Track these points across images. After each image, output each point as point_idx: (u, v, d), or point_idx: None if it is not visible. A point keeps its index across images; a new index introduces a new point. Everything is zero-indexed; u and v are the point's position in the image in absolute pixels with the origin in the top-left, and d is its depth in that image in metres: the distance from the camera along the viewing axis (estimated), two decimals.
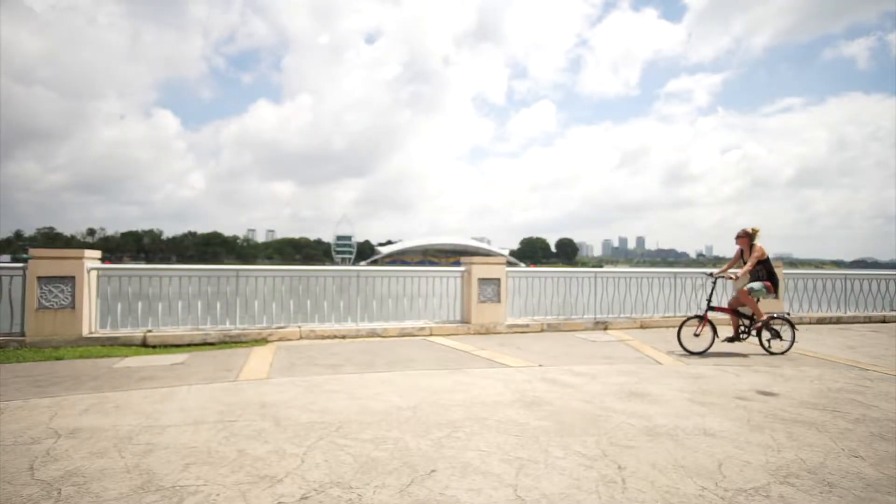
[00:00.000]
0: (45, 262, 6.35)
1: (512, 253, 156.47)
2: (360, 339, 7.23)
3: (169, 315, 7.17)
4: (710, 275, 6.79)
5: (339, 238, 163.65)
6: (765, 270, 6.48)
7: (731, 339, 6.46)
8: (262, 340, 6.82)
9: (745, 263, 6.53)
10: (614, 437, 3.32)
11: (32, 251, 6.49)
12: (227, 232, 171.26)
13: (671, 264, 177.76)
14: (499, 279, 8.15)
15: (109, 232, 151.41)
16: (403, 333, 7.54)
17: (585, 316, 8.78)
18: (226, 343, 6.69)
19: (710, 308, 6.41)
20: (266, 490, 2.51)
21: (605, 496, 2.49)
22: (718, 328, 6.53)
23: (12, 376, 4.86)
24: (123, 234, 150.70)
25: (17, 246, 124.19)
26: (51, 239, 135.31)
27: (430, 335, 7.57)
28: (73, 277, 6.38)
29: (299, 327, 7.23)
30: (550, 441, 3.23)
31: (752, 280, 6.41)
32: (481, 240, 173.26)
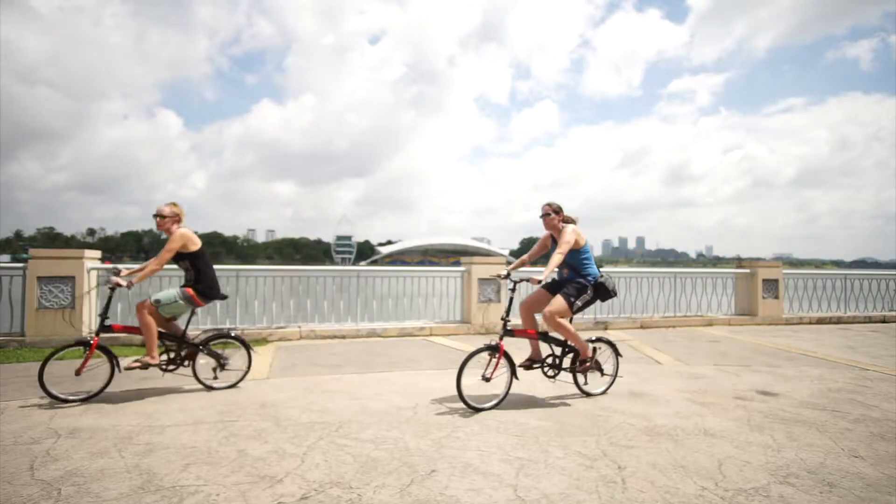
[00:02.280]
0: (45, 262, 6.35)
1: (512, 253, 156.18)
2: (360, 339, 7.23)
3: None
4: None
5: (339, 238, 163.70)
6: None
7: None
8: (262, 340, 6.82)
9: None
10: (614, 437, 3.32)
11: (32, 251, 6.49)
12: (228, 232, 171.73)
13: (671, 264, 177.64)
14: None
15: (109, 232, 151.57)
16: (403, 333, 7.54)
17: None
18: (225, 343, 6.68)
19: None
20: (266, 490, 2.51)
21: (605, 496, 2.49)
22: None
23: (12, 376, 4.86)
24: (123, 234, 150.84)
25: (17, 246, 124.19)
26: (51, 239, 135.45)
27: (430, 335, 7.56)
28: (73, 277, 6.38)
29: (299, 327, 7.23)
30: (550, 441, 3.23)
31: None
32: (481, 240, 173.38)
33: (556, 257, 4.16)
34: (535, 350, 4.32)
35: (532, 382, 4.58)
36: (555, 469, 2.81)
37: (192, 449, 3.03)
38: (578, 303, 4.15)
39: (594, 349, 4.32)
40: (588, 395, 4.29)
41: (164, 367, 4.26)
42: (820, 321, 9.75)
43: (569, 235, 4.16)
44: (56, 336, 6.28)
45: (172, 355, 4.31)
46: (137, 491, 2.48)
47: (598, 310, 8.86)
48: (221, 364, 4.39)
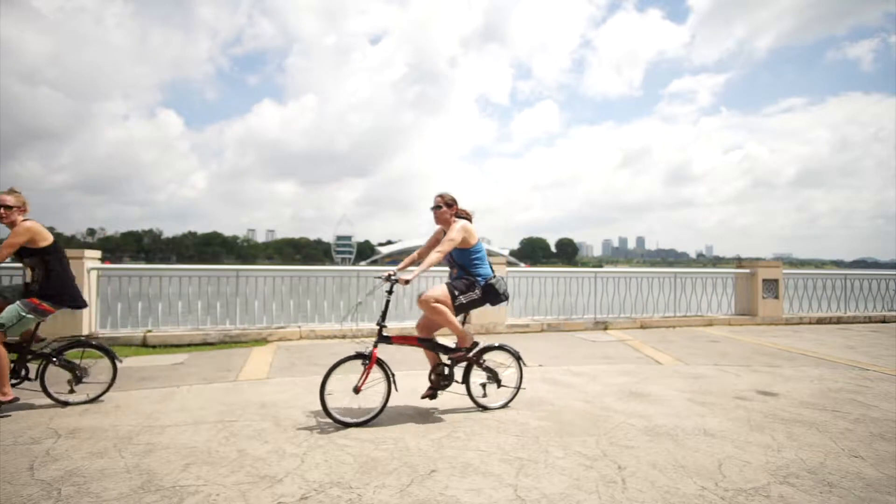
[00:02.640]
0: None
1: (512, 253, 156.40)
2: (360, 339, 7.23)
3: (169, 315, 7.17)
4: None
5: (339, 238, 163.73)
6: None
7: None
8: (262, 340, 6.82)
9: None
10: (614, 437, 3.32)
11: None
12: (228, 232, 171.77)
13: (671, 264, 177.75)
14: None
15: (109, 232, 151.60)
16: (404, 333, 7.52)
17: (585, 316, 8.78)
18: (226, 343, 6.69)
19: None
20: (266, 490, 2.51)
21: (605, 496, 2.49)
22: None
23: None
24: (123, 234, 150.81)
25: None
26: None
27: None
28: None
29: (299, 327, 7.23)
30: (550, 441, 3.23)
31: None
32: (481, 240, 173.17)
33: (433, 255, 3.67)
34: (432, 362, 3.93)
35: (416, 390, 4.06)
36: (555, 469, 2.81)
37: (192, 449, 3.03)
38: (462, 299, 3.75)
39: (481, 350, 3.95)
40: (485, 408, 3.87)
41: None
42: (820, 321, 9.75)
43: (455, 233, 3.74)
44: (56, 336, 6.27)
45: (14, 366, 3.73)
46: (137, 491, 2.48)
47: (598, 309, 8.88)
48: (77, 376, 3.89)
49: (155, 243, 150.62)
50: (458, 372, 3.94)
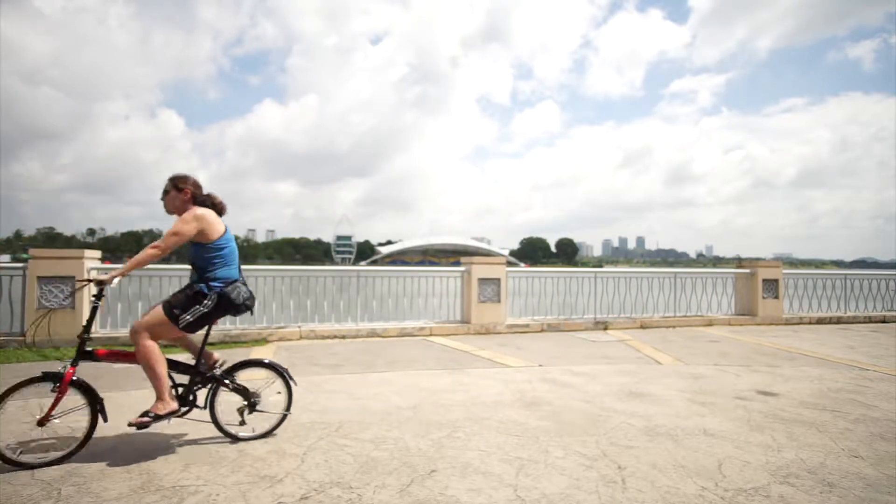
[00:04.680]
0: (45, 262, 6.35)
1: (512, 253, 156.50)
2: (360, 338, 7.23)
3: None
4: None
5: (339, 238, 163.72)
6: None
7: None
8: (262, 340, 6.82)
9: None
10: (614, 437, 3.32)
11: (32, 251, 6.49)
12: None
13: (671, 264, 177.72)
14: (499, 279, 8.14)
15: (109, 232, 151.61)
16: (403, 333, 7.54)
17: (585, 316, 8.78)
18: (226, 343, 6.69)
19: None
20: (266, 490, 2.51)
21: (605, 496, 2.49)
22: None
23: (12, 376, 4.85)
24: (123, 234, 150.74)
25: (17, 246, 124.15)
26: (51, 239, 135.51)
27: (430, 335, 7.56)
28: (73, 277, 6.38)
29: (299, 327, 7.23)
30: (550, 441, 3.23)
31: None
32: (481, 240, 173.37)
33: (147, 251, 2.90)
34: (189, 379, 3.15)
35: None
36: (555, 469, 2.81)
37: (191, 449, 3.02)
38: (188, 317, 2.98)
39: (201, 375, 3.14)
40: (236, 439, 3.16)
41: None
42: (820, 321, 9.75)
43: (183, 224, 2.98)
44: (56, 336, 6.27)
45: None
46: (137, 491, 2.48)
47: (598, 309, 8.88)
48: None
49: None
50: (202, 395, 3.17)
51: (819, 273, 10.92)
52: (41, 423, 2.80)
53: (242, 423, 3.19)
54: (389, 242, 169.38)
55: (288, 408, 3.33)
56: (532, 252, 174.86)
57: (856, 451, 3.12)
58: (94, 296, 2.98)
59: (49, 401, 2.79)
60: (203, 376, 3.16)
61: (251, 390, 3.26)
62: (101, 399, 2.89)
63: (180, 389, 3.06)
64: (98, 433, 2.94)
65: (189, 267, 3.18)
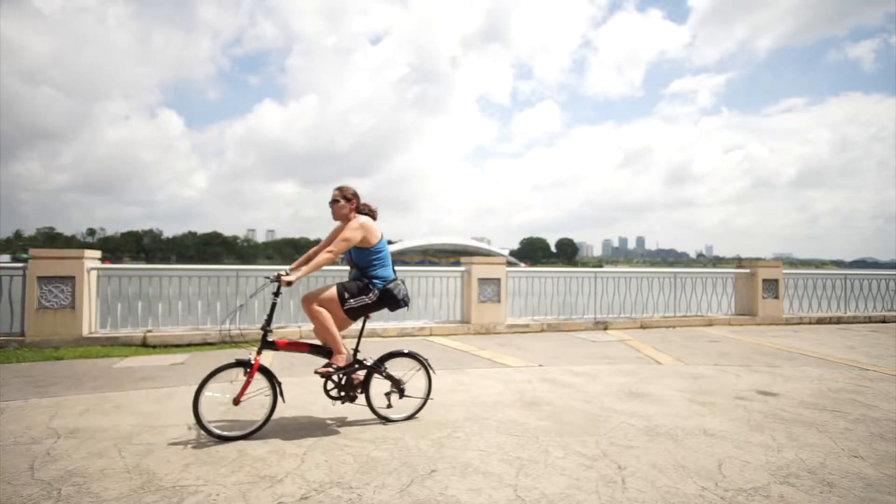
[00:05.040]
0: (45, 262, 6.35)
1: (512, 253, 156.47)
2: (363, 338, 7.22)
3: (169, 315, 7.16)
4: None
5: None
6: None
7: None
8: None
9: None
10: (614, 437, 3.32)
11: (32, 251, 6.49)
12: (228, 232, 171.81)
13: (671, 264, 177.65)
14: (499, 279, 8.15)
15: (109, 232, 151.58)
16: (403, 333, 7.54)
17: (585, 316, 8.78)
18: (226, 343, 6.69)
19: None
20: (266, 490, 2.51)
21: (605, 496, 2.49)
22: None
23: (12, 376, 4.86)
24: (123, 234, 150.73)
25: (17, 246, 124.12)
26: (51, 239, 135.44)
27: (430, 335, 7.57)
28: (73, 277, 6.38)
29: (299, 327, 7.22)
30: (550, 441, 3.23)
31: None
32: (481, 240, 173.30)
33: (324, 255, 3.43)
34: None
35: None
36: (555, 469, 2.81)
37: (191, 449, 3.03)
38: (353, 302, 3.43)
39: (359, 363, 3.53)
40: (387, 420, 3.57)
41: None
42: (820, 321, 9.75)
43: (352, 231, 3.44)
44: (56, 336, 6.28)
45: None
46: (137, 491, 2.48)
47: (598, 309, 8.88)
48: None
49: (155, 243, 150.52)
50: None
51: (819, 273, 10.93)
52: (236, 402, 3.25)
53: (389, 406, 3.62)
54: (390, 242, 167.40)
55: (428, 394, 3.74)
56: (532, 252, 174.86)
57: (856, 451, 3.12)
58: (273, 293, 3.38)
59: (239, 384, 3.26)
60: (361, 364, 3.54)
61: (397, 378, 3.63)
62: (280, 383, 3.34)
63: (342, 380, 3.50)
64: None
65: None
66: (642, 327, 8.65)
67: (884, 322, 9.98)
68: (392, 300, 3.52)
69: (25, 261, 6.55)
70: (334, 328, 3.42)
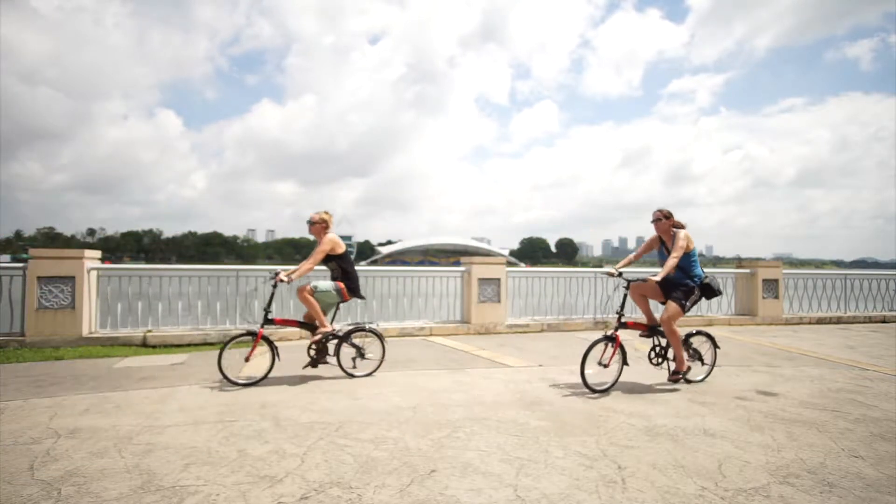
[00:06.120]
0: (45, 262, 6.35)
1: (512, 253, 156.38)
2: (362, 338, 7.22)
3: (169, 315, 7.16)
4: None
5: (339, 238, 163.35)
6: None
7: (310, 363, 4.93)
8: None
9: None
10: (614, 437, 3.32)
11: (32, 251, 6.49)
12: (227, 232, 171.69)
13: None
14: (499, 279, 8.14)
15: (109, 232, 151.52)
16: (403, 333, 7.54)
17: (585, 316, 8.78)
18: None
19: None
20: (266, 490, 2.51)
21: (605, 496, 2.49)
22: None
23: (12, 376, 4.86)
24: (123, 234, 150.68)
25: (16, 246, 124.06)
26: (51, 239, 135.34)
27: (430, 335, 7.56)
28: (73, 277, 6.37)
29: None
30: (550, 441, 3.23)
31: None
32: (481, 240, 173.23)
33: (672, 261, 4.52)
34: (649, 318, 4.90)
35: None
36: (555, 469, 2.81)
37: (192, 449, 3.02)
38: (688, 304, 4.59)
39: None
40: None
41: (314, 358, 4.89)
42: (820, 321, 9.75)
43: (682, 241, 4.58)
44: (56, 336, 6.28)
45: (319, 348, 4.92)
46: (137, 491, 2.48)
47: (598, 309, 8.87)
48: (362, 354, 4.96)
49: (155, 243, 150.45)
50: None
51: (819, 273, 10.92)
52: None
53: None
54: (389, 242, 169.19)
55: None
56: (532, 252, 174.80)
57: (856, 451, 3.12)
58: (624, 287, 4.73)
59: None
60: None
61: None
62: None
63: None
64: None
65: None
66: None
67: (884, 322, 9.98)
68: (710, 291, 4.67)
69: (25, 261, 6.54)
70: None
